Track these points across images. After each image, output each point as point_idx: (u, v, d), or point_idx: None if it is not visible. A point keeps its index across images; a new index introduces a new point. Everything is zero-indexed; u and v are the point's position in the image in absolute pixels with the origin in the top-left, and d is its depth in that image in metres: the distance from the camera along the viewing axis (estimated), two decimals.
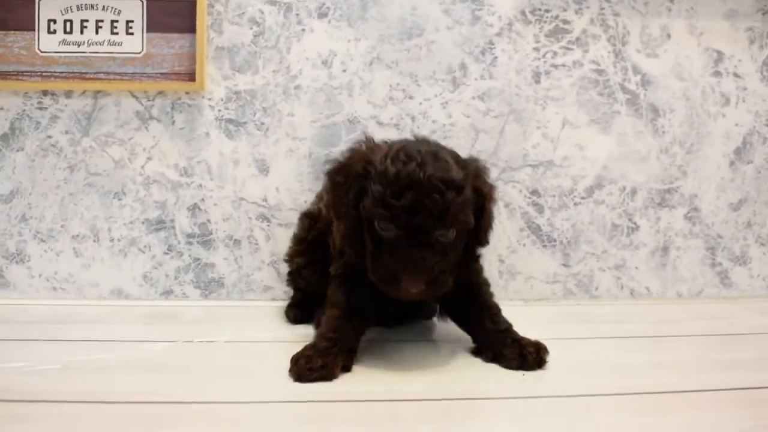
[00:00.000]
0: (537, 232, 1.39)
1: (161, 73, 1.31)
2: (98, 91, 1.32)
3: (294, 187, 1.35)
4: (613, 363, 0.99)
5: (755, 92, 1.42)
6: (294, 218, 1.28)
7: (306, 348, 0.94)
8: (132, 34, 1.31)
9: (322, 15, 1.34)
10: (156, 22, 1.30)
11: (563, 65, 1.38)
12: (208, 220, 1.34)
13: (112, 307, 1.29)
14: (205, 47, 1.30)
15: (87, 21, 1.30)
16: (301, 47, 1.34)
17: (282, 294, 1.32)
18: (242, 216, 1.35)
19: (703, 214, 1.42)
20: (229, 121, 1.34)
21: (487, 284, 1.07)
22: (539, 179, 1.38)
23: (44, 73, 1.30)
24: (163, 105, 1.33)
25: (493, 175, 1.27)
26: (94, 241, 1.33)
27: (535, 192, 1.38)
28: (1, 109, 1.31)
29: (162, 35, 1.30)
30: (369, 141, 1.00)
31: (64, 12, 1.30)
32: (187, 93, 1.33)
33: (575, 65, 1.38)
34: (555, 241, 1.39)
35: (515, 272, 1.39)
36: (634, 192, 1.40)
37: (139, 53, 1.31)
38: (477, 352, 1.02)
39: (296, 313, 1.20)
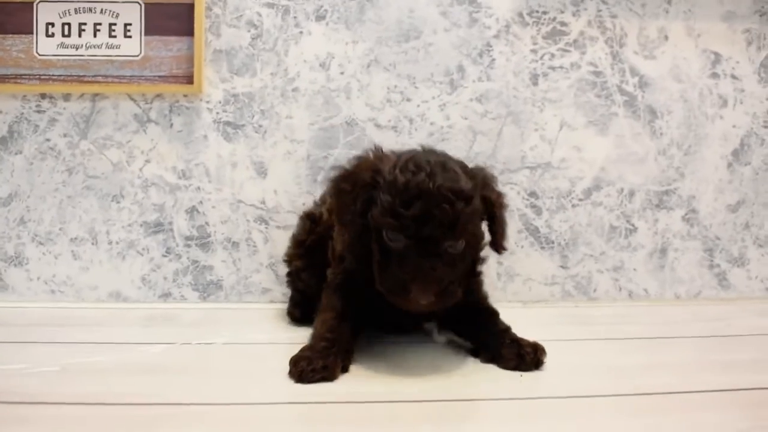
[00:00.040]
0: (535, 233, 1.39)
1: (159, 76, 1.31)
2: (96, 94, 1.32)
3: (292, 189, 1.35)
4: (611, 364, 1.00)
5: (753, 94, 1.42)
6: (292, 221, 1.28)
7: (304, 349, 0.93)
8: (130, 37, 1.31)
9: (319, 17, 1.34)
10: (154, 25, 1.30)
11: (561, 67, 1.38)
12: (207, 223, 1.35)
13: (111, 310, 1.29)
14: (203, 50, 1.31)
15: (85, 24, 1.30)
16: (298, 50, 1.34)
17: (280, 296, 1.33)
18: (240, 218, 1.35)
19: (701, 215, 1.42)
20: (227, 123, 1.34)
21: (486, 297, 1.08)
22: (537, 181, 1.38)
23: (42, 77, 1.30)
24: (161, 108, 1.33)
25: None
26: (93, 243, 1.33)
27: (533, 194, 1.38)
28: (0, 112, 1.31)
29: (160, 38, 1.31)
30: (376, 150, 1.00)
31: (62, 15, 1.30)
32: (185, 96, 1.33)
33: (573, 67, 1.38)
34: (553, 242, 1.39)
35: (513, 274, 1.39)
36: (632, 194, 1.40)
37: (137, 56, 1.31)
38: (475, 352, 1.02)
39: (299, 312, 1.19)
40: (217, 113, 1.33)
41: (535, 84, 1.38)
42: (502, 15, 1.37)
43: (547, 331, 1.08)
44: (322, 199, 1.22)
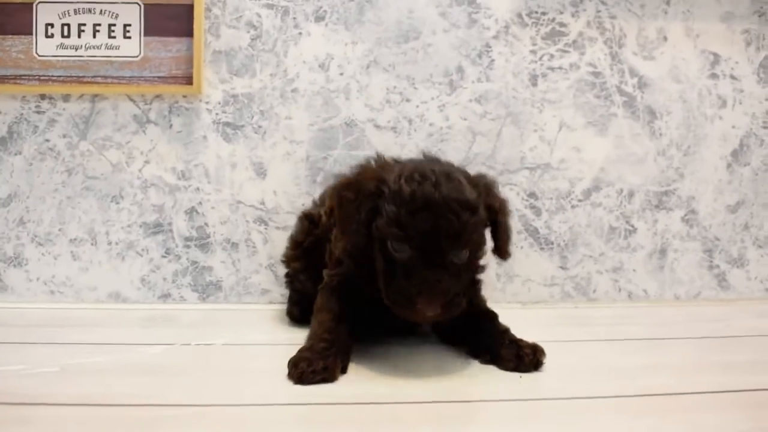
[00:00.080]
0: (534, 234, 1.39)
1: (159, 77, 1.31)
2: (96, 95, 1.32)
3: (291, 190, 1.35)
4: (611, 365, 0.99)
5: (752, 94, 1.42)
6: (291, 221, 1.28)
7: (303, 350, 0.93)
8: (129, 37, 1.31)
9: (319, 18, 1.34)
10: (153, 26, 1.31)
11: (560, 68, 1.38)
12: (206, 224, 1.34)
13: (110, 311, 1.29)
14: (202, 51, 1.31)
15: (84, 25, 1.30)
16: (298, 51, 1.34)
17: (280, 297, 1.32)
18: (240, 219, 1.35)
19: (700, 216, 1.42)
20: (227, 124, 1.34)
21: (484, 301, 1.08)
22: (536, 182, 1.38)
23: (42, 77, 1.30)
24: (161, 108, 1.33)
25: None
26: (92, 244, 1.33)
27: (532, 195, 1.38)
28: None
29: (159, 39, 1.31)
30: (379, 158, 1.00)
31: (61, 16, 1.30)
32: (184, 96, 1.33)
33: (572, 68, 1.38)
34: (552, 243, 1.39)
35: (513, 275, 1.39)
36: (631, 194, 1.40)
37: (137, 57, 1.31)
38: (475, 353, 1.01)
39: (298, 311, 1.19)
40: (217, 114, 1.33)
41: (535, 85, 1.38)
42: (501, 16, 1.37)
43: (546, 332, 1.08)
44: (321, 200, 1.21)
